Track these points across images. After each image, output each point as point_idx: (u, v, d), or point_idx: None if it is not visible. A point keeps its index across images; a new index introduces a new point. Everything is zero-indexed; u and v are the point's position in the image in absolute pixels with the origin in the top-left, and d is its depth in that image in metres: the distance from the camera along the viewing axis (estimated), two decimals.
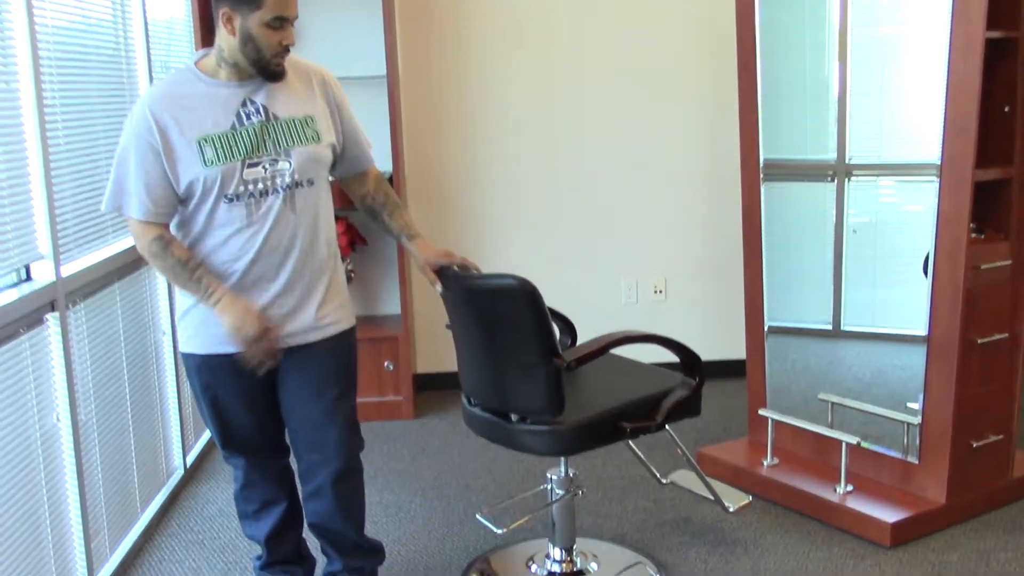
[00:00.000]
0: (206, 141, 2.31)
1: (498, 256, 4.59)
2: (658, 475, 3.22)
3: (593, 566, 2.91)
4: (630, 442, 3.03)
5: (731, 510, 2.93)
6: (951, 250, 3.00)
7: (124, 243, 3.23)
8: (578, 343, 2.85)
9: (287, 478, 2.70)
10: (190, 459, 3.85)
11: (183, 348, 2.54)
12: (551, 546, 2.88)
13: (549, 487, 2.85)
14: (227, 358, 2.42)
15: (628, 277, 4.72)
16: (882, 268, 3.25)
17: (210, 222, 2.36)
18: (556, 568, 2.87)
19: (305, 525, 2.70)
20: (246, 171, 2.33)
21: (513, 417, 2.59)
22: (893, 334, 3.22)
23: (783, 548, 3.04)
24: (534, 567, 2.91)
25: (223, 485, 3.70)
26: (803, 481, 3.33)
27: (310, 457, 2.56)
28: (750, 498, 3.06)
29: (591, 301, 4.68)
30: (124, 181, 2.34)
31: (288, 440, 2.63)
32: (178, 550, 3.18)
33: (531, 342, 2.50)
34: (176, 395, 3.70)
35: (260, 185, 2.35)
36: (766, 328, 3.60)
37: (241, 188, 2.34)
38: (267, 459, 2.65)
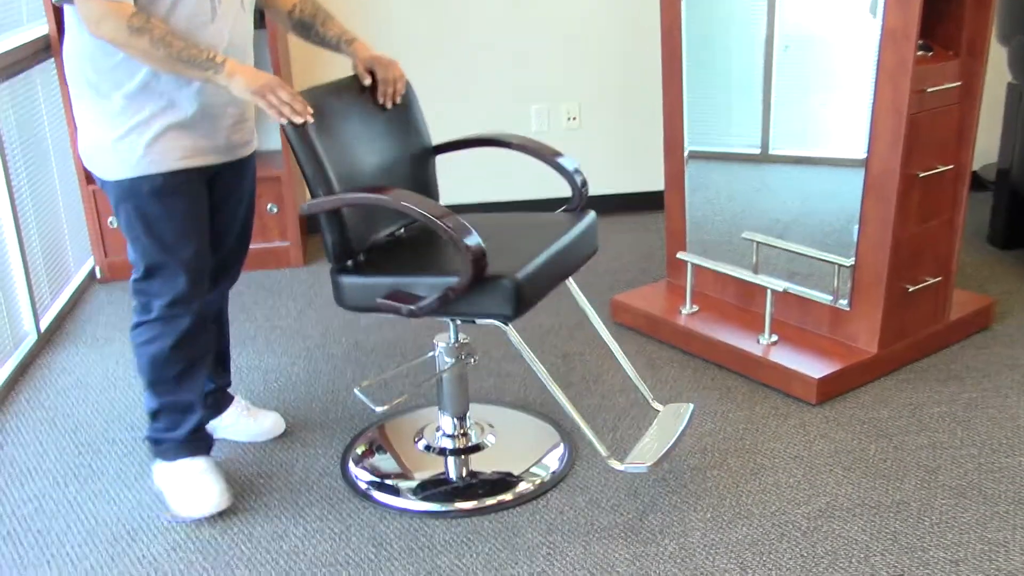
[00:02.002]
0: None
1: None
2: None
3: (490, 439, 2.60)
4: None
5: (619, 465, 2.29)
6: (894, 71, 2.61)
7: None
8: None
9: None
10: (44, 323, 3.42)
11: (130, 173, 2.19)
12: (441, 415, 2.56)
13: (436, 354, 2.50)
14: (196, 173, 2.25)
15: (539, 104, 4.27)
16: (816, 88, 2.85)
17: (176, 10, 2.11)
18: (448, 443, 2.56)
19: None
20: None
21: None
22: (827, 158, 2.85)
23: (700, 407, 2.77)
24: (422, 442, 2.59)
25: (83, 351, 3.30)
26: (724, 331, 3.03)
27: (216, 280, 2.47)
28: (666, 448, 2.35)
29: (499, 130, 4.24)
30: None
31: None
32: (23, 431, 2.80)
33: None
34: (18, 246, 3.23)
35: None
36: (686, 154, 3.21)
37: None
38: (206, 296, 2.40)
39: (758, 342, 2.94)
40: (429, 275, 2.16)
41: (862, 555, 2.13)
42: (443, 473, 2.51)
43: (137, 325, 2.36)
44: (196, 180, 2.27)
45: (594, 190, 4.36)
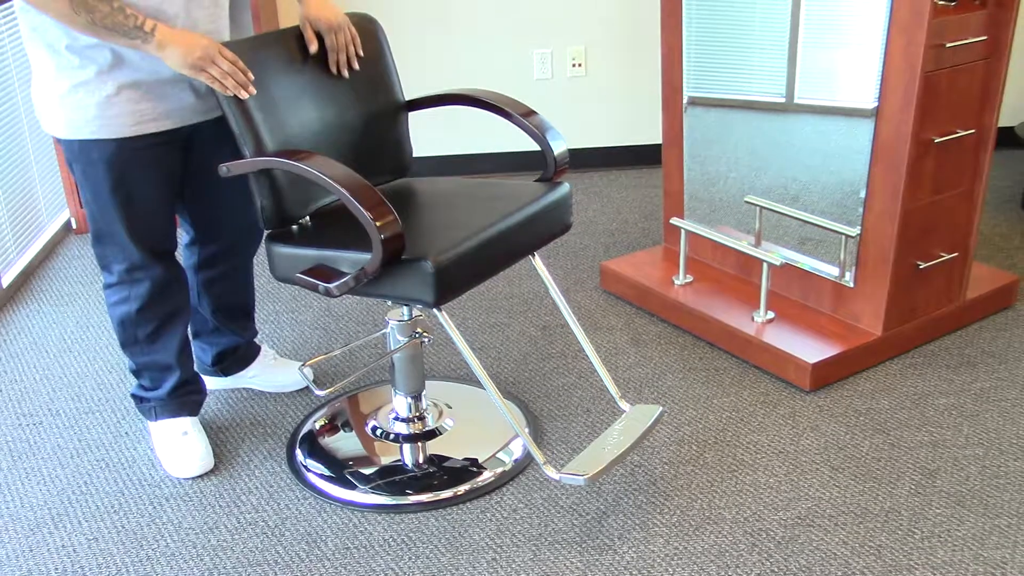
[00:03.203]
0: None
1: (390, 23, 3.84)
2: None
3: (448, 422, 2.40)
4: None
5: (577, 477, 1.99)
6: (908, 24, 2.31)
7: None
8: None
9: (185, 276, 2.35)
10: (8, 279, 3.26)
11: (79, 134, 2.02)
12: (394, 394, 2.36)
13: (388, 332, 2.29)
14: (160, 136, 2.06)
15: (542, 48, 3.99)
16: (846, 29, 2.53)
17: None
18: (402, 428, 2.36)
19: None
20: None
21: None
22: (855, 108, 2.54)
23: (683, 391, 2.54)
24: (371, 423, 2.40)
25: (46, 310, 3.14)
26: (719, 305, 2.79)
27: (232, 237, 2.37)
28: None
29: (500, 78, 3.99)
30: None
31: (194, 224, 2.35)
32: None
33: None
34: None
35: None
36: (686, 101, 2.93)
37: None
38: (173, 258, 2.24)
39: (752, 319, 2.70)
40: (352, 250, 1.94)
41: (839, 572, 1.91)
42: (396, 460, 2.31)
43: (105, 287, 2.26)
44: (160, 144, 2.07)
45: (600, 142, 4.11)
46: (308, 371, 2.63)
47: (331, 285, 1.92)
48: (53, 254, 3.56)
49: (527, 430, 2.40)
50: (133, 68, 1.98)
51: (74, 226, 3.74)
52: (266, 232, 2.10)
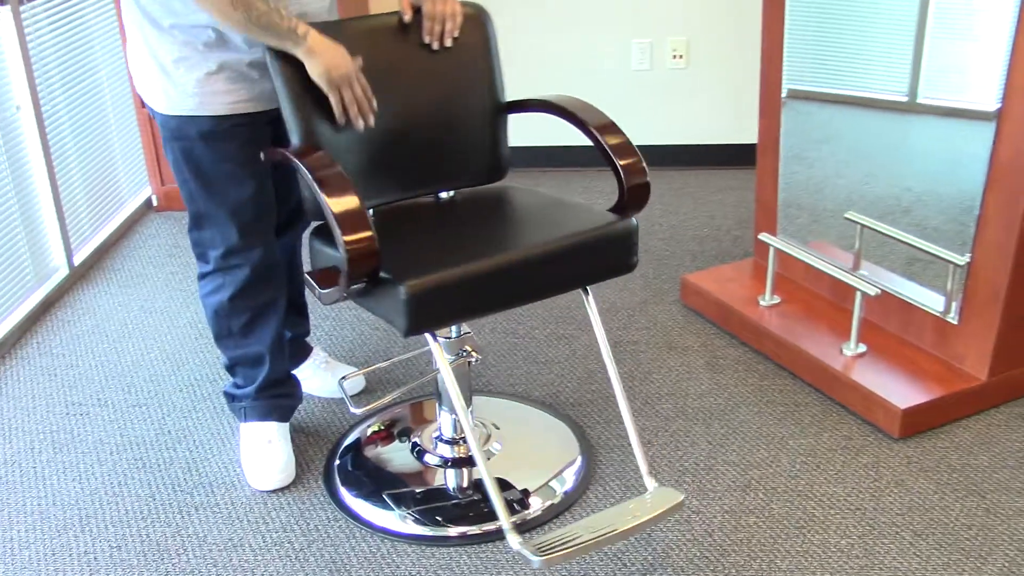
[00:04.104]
0: None
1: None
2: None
3: (495, 446, 2.24)
4: None
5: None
6: None
7: None
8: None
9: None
10: (81, 256, 3.24)
11: (178, 110, 1.97)
12: (439, 411, 2.21)
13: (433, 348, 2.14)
14: (254, 116, 1.99)
15: (641, 39, 3.77)
16: (973, 19, 2.25)
17: None
18: (446, 450, 2.22)
19: None
20: None
21: None
22: (972, 110, 2.26)
23: (756, 428, 2.32)
24: (415, 440, 2.26)
25: (114, 291, 3.11)
26: (806, 332, 2.55)
27: (286, 225, 2.27)
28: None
29: (596, 68, 3.79)
30: None
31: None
32: (21, 382, 2.63)
33: None
34: (47, 174, 3.03)
35: None
36: (784, 96, 2.68)
37: None
38: (273, 241, 2.17)
39: (841, 352, 2.45)
40: None
41: None
42: (438, 485, 2.17)
43: (200, 277, 2.18)
44: (253, 123, 2.01)
45: (700, 139, 3.88)
46: (357, 381, 2.50)
47: (324, 291, 1.79)
48: (131, 232, 3.53)
49: (580, 458, 2.22)
50: (234, 48, 1.93)
51: (155, 203, 3.71)
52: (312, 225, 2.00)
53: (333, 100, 1.88)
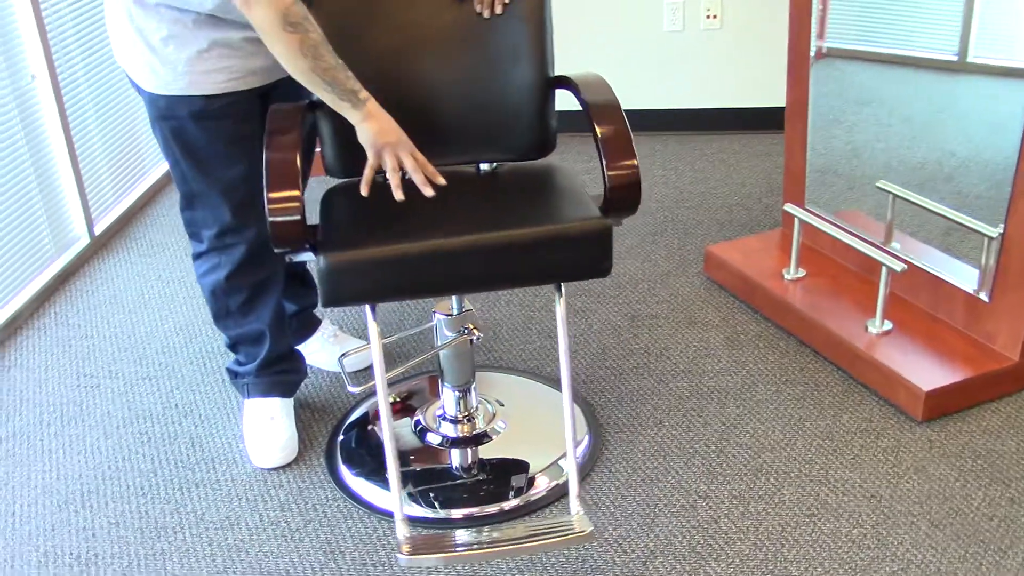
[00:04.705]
0: None
1: None
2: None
3: (499, 424, 2.18)
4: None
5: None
6: None
7: None
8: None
9: None
10: (102, 226, 3.24)
11: (168, 90, 1.90)
12: (442, 387, 2.15)
13: (435, 327, 2.09)
14: (245, 92, 1.92)
15: None
16: None
17: None
18: (449, 429, 2.17)
19: None
20: None
21: None
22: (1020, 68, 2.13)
23: (772, 408, 2.24)
24: (418, 418, 2.21)
25: (133, 260, 3.10)
26: (830, 307, 2.45)
27: None
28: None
29: (626, 30, 3.67)
30: None
31: None
32: (36, 353, 2.63)
33: None
34: (65, 142, 3.02)
35: None
36: (819, 53, 2.55)
37: None
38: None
39: (866, 329, 2.35)
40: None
41: None
42: (439, 465, 2.13)
43: (195, 257, 2.14)
44: (245, 99, 1.95)
45: (735, 102, 3.76)
46: (365, 356, 2.45)
47: (279, 249, 1.76)
48: (154, 201, 3.52)
49: (587, 438, 2.16)
50: (225, 25, 1.86)
51: None
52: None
53: (370, 163, 1.79)
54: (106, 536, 1.98)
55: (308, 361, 2.44)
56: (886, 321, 2.35)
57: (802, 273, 2.60)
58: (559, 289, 1.85)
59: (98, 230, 3.19)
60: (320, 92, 1.75)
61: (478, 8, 1.96)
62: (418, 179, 1.76)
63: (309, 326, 2.45)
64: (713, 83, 3.74)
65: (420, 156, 1.79)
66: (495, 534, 1.72)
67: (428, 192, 1.75)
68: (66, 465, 2.19)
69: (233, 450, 2.21)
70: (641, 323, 2.61)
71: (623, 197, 1.76)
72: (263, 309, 2.15)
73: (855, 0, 2.53)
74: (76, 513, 2.05)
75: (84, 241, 3.12)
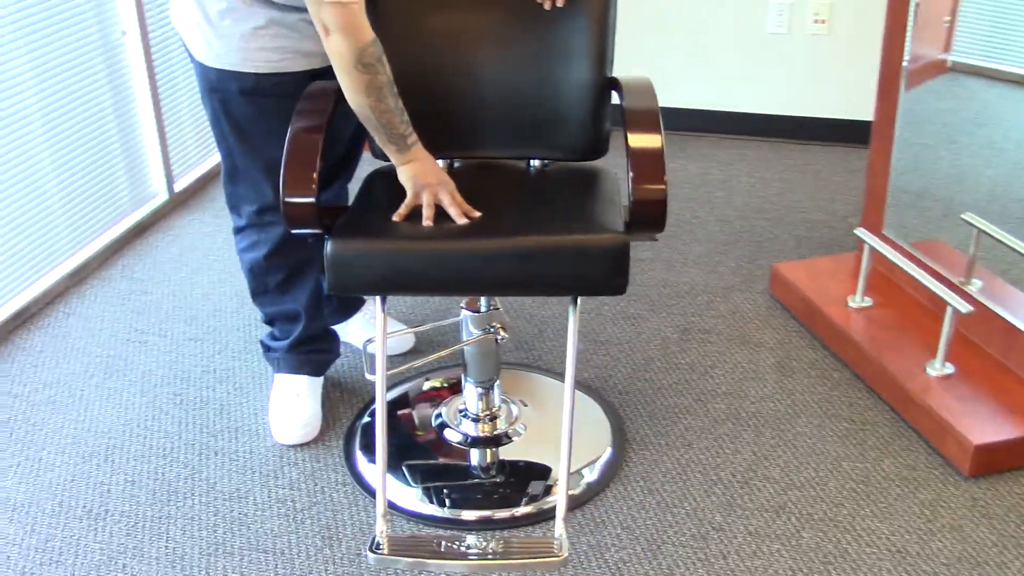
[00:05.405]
0: None
1: None
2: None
3: (520, 427, 2.13)
4: None
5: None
6: None
7: None
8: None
9: None
10: (183, 183, 3.30)
11: (220, 63, 1.91)
12: (464, 382, 2.11)
13: (462, 322, 2.05)
14: (297, 73, 1.92)
15: None
16: None
17: None
18: (469, 428, 2.12)
19: None
20: None
21: None
22: None
23: (811, 444, 2.12)
24: (440, 410, 2.17)
25: (206, 219, 3.16)
26: (891, 342, 2.31)
27: (328, 180, 2.21)
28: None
29: (727, 29, 3.54)
30: None
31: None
32: (96, 303, 2.70)
33: None
34: (151, 100, 3.08)
35: None
36: (906, 68, 2.39)
37: None
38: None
39: (924, 370, 2.20)
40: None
41: None
42: (457, 462, 2.09)
43: (235, 231, 2.16)
44: (296, 80, 1.94)
45: (833, 113, 3.59)
46: (406, 339, 2.43)
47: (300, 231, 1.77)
48: None
49: (608, 453, 2.09)
50: (283, 4, 1.86)
51: None
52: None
53: (408, 201, 1.77)
54: (120, 493, 2.02)
55: (347, 340, 2.44)
56: (948, 364, 2.19)
57: (868, 302, 2.46)
58: (574, 302, 1.78)
59: (178, 187, 3.26)
60: (371, 130, 1.76)
61: (539, 0, 1.90)
62: (453, 212, 1.74)
63: (352, 305, 2.44)
64: (814, 90, 3.57)
65: (458, 196, 1.77)
66: (471, 547, 1.67)
67: (462, 221, 1.73)
68: (98, 419, 2.24)
69: (258, 422, 2.22)
70: (692, 337, 2.51)
71: (647, 213, 1.68)
72: (300, 290, 2.15)
73: (989, 14, 2.36)
74: (97, 468, 2.09)
75: (162, 197, 3.19)
